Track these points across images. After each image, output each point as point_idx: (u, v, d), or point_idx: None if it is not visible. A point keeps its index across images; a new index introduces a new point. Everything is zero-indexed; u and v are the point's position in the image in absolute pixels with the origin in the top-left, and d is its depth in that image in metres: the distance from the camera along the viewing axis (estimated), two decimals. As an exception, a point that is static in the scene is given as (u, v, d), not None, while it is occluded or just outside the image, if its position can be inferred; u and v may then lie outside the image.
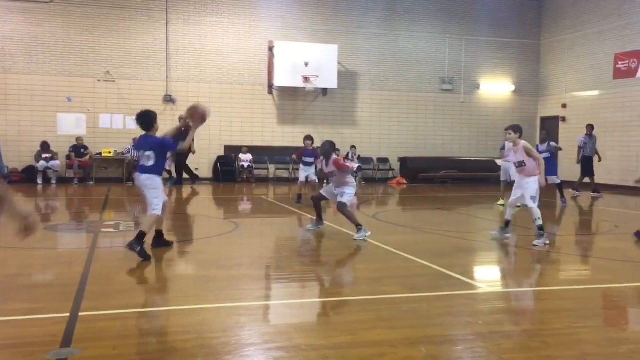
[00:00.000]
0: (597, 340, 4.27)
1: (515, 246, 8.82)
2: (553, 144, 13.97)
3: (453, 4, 21.62)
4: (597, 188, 16.25)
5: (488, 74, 22.15)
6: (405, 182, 20.20)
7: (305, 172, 13.38)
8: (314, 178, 13.56)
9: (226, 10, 19.61)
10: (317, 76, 19.38)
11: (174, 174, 17.65)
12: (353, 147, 20.23)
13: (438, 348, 4.12)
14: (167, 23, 19.13)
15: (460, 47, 21.72)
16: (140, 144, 7.31)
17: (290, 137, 20.15)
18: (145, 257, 6.75)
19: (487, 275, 7.04)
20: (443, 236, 9.74)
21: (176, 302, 5.32)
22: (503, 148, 12.19)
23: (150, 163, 7.03)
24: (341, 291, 6.03)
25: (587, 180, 16.50)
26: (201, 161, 19.13)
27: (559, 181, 13.78)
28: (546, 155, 12.86)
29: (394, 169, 21.22)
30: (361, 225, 8.69)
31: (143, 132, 7.23)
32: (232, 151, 19.30)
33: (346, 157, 20.26)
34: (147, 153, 7.03)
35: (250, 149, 19.33)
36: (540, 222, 8.39)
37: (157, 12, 19.05)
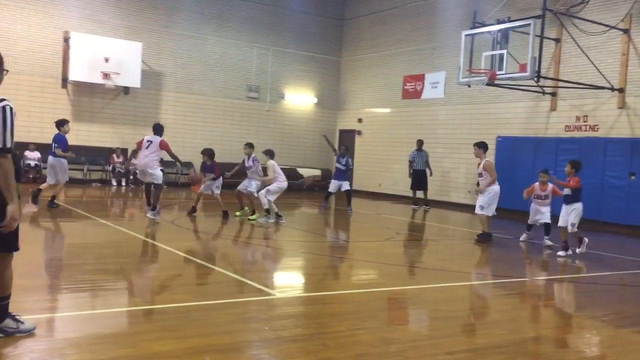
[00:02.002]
0: (372, 341, 4.57)
1: (309, 252, 9.18)
2: (349, 160, 15.76)
3: (261, 14, 22.03)
4: (428, 202, 17.47)
5: (293, 85, 22.94)
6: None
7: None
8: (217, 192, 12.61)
9: (15, -8, 17.76)
10: (118, 73, 18.41)
11: None
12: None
13: (223, 356, 4.09)
14: (-61, -2, 16.75)
15: (267, 57, 22.19)
16: (54, 138, 12.16)
17: (86, 135, 18.85)
18: None
19: (280, 281, 7.20)
20: (241, 242, 9.80)
21: None
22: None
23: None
24: (127, 301, 5.72)
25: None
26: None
27: (348, 188, 15.48)
28: (342, 167, 15.30)
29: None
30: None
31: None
32: (17, 148, 17.40)
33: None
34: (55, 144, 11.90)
35: (39, 147, 17.65)
36: (266, 207, 11.70)
37: None
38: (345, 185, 15.39)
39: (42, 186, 12.03)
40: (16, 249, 4.05)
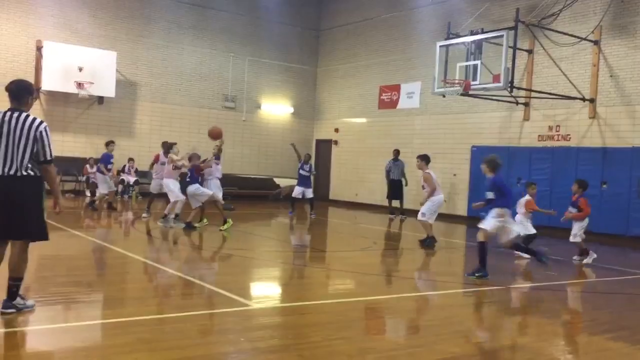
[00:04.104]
0: (348, 351, 4.56)
1: (285, 262, 9.15)
2: (312, 167, 16.72)
3: (237, 24, 22.00)
4: (404, 211, 17.49)
5: (269, 95, 22.92)
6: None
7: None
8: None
9: (-14, 0, 17.49)
10: (92, 83, 18.20)
11: None
12: (131, 159, 19.38)
13: (198, 369, 4.04)
14: None
15: (243, 67, 22.16)
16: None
17: (59, 145, 18.54)
18: None
19: (256, 292, 7.15)
20: (217, 253, 9.72)
21: None
22: None
23: None
24: (100, 313, 5.62)
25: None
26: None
27: (311, 195, 16.24)
28: (306, 173, 16.09)
29: (173, 184, 20.68)
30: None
31: None
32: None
33: (122, 170, 19.31)
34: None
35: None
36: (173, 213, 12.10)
37: None
38: (309, 193, 16.11)
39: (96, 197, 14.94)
40: (47, 238, 5.60)
